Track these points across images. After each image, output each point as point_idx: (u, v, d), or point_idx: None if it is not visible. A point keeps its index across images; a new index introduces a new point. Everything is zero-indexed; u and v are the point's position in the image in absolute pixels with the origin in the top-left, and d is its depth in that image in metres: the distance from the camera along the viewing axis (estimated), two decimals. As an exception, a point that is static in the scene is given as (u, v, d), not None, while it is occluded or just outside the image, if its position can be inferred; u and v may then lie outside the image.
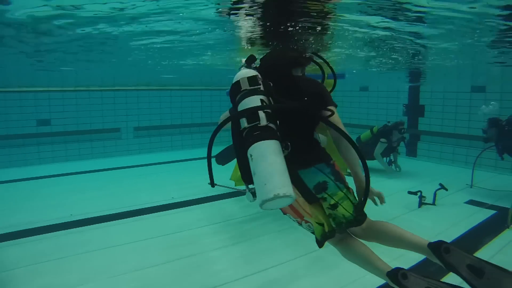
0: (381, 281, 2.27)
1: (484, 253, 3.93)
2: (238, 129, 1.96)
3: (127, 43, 4.33)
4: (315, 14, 3.02)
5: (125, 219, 4.97)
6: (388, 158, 7.89)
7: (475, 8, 2.65)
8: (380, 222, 2.35)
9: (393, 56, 5.34)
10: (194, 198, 5.76)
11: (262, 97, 1.95)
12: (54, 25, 3.27)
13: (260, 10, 2.92)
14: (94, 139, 9.39)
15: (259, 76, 2.07)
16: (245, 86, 2.00)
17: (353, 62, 6.08)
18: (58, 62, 5.95)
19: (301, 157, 2.04)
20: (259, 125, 1.85)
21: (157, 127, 10.37)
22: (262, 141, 1.80)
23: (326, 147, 2.50)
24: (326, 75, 3.01)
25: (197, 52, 5.15)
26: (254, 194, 2.10)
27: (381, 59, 5.78)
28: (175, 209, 5.34)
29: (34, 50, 4.74)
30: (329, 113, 2.19)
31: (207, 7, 2.77)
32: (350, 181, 2.37)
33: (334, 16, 3.14)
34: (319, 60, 2.93)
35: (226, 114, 2.43)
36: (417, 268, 3.52)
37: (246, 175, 1.93)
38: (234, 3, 2.83)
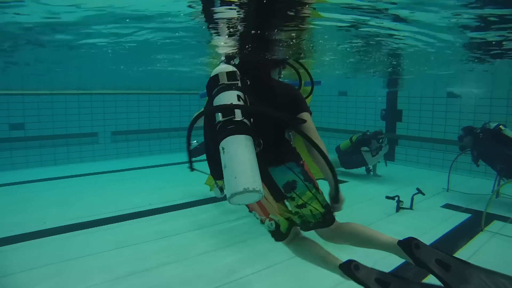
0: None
1: (460, 256, 3.96)
2: (211, 122, 1.95)
3: (100, 49, 4.24)
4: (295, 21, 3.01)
5: (100, 227, 4.85)
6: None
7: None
8: (348, 223, 2.35)
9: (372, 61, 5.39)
10: (172, 204, 5.68)
11: (239, 93, 1.96)
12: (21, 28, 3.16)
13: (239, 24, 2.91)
14: (70, 144, 9.19)
15: (238, 72, 2.09)
16: (223, 80, 2.02)
17: (334, 68, 6.12)
18: (31, 67, 5.79)
19: (272, 155, 2.02)
20: (233, 119, 1.85)
21: (135, 131, 10.22)
22: (236, 135, 1.79)
23: (297, 146, 2.49)
24: (303, 82, 3.00)
25: (175, 57, 5.08)
26: (222, 189, 2.19)
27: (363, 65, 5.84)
28: (152, 216, 5.24)
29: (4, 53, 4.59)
30: (302, 120, 2.24)
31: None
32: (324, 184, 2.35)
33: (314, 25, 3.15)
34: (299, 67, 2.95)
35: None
36: (397, 272, 3.54)
37: (215, 169, 1.95)
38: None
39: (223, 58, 2.29)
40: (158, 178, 7.60)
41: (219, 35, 3.30)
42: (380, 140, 7.49)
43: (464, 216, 5.36)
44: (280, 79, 2.64)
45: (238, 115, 1.87)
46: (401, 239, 2.06)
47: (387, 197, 5.70)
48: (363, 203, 5.96)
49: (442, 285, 1.87)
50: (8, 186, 6.96)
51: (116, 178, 7.68)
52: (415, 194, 5.65)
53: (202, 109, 2.19)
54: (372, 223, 4.99)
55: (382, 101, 9.98)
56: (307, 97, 2.75)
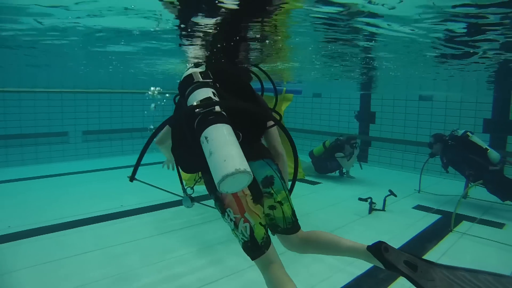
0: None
1: (430, 257, 4.02)
2: (190, 119, 1.94)
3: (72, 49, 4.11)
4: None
5: (71, 229, 4.70)
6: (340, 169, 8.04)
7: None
8: (314, 231, 2.33)
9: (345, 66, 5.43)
10: (145, 206, 5.57)
11: (213, 90, 2.04)
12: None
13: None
14: (39, 143, 8.92)
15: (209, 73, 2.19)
16: (197, 78, 2.11)
17: (309, 71, 6.14)
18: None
19: (250, 150, 1.99)
20: (213, 111, 1.89)
21: (107, 131, 10.01)
22: (219, 124, 1.82)
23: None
24: (284, 90, 3.04)
25: (148, 59, 5.00)
26: (192, 198, 2.28)
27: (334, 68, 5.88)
28: (124, 218, 5.12)
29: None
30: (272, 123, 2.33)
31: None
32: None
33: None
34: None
35: (164, 131, 2.47)
36: (366, 276, 3.58)
37: (194, 161, 2.04)
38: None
39: (190, 64, 2.30)
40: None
41: (191, 41, 3.30)
42: (354, 145, 7.56)
43: (435, 217, 5.47)
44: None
45: (218, 107, 1.91)
46: (370, 242, 2.08)
47: (360, 199, 5.75)
48: (336, 205, 6.00)
49: (466, 268, 1.95)
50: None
51: (87, 179, 7.48)
52: (388, 195, 5.73)
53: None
54: (344, 224, 5.03)
55: (355, 103, 10.10)
56: (274, 106, 2.83)
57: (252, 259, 2.13)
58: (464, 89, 7.81)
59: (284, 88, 6.07)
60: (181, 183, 2.49)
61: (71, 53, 4.25)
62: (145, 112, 10.56)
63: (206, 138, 1.79)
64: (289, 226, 2.25)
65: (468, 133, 5.97)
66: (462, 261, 3.98)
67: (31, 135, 8.77)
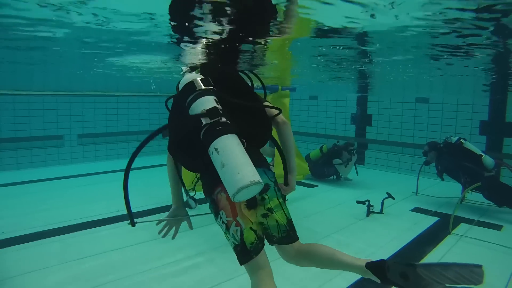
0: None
1: (430, 260, 4.03)
2: (196, 127, 1.97)
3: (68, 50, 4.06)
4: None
5: (66, 234, 4.64)
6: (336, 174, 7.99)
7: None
8: (312, 244, 2.31)
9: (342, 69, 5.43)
10: (140, 210, 5.51)
11: (215, 97, 2.06)
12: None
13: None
14: (34, 147, 8.83)
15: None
16: (199, 86, 2.10)
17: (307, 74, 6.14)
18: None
19: (252, 157, 1.98)
20: (220, 121, 1.93)
21: (102, 134, 9.95)
22: (227, 135, 1.87)
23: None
24: (280, 88, 3.06)
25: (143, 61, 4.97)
26: (195, 200, 2.36)
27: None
28: (119, 222, 5.07)
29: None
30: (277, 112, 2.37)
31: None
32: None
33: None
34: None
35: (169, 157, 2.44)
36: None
37: (200, 162, 2.05)
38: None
39: (184, 68, 2.28)
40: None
41: (191, 44, 3.28)
42: (352, 151, 7.53)
43: (433, 220, 5.45)
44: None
45: (223, 117, 1.96)
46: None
47: (358, 202, 5.72)
48: (334, 208, 5.97)
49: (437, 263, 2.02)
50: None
51: (82, 183, 7.41)
52: (385, 198, 5.70)
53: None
54: (342, 228, 4.99)
55: (352, 106, 10.10)
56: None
57: (240, 263, 2.12)
58: (461, 91, 7.81)
59: (280, 87, 6.07)
60: (183, 185, 2.49)
61: (66, 53, 4.19)
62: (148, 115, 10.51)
63: (216, 149, 1.84)
64: (284, 235, 2.21)
65: (462, 140, 6.00)
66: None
67: (25, 139, 8.69)
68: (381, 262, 2.07)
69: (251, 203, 2.15)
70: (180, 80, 2.23)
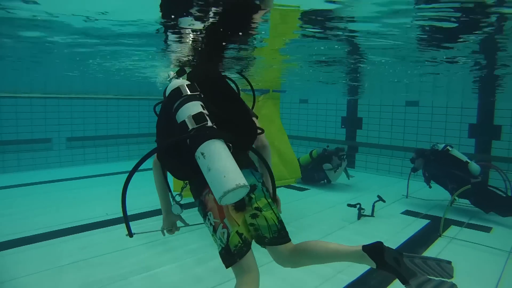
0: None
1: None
2: (182, 132, 2.02)
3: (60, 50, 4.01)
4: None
5: (55, 239, 4.56)
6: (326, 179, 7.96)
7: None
8: (305, 242, 2.29)
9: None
10: (130, 214, 5.43)
11: (201, 103, 2.11)
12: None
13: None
14: (21, 150, 8.69)
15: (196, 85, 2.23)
16: (185, 92, 2.13)
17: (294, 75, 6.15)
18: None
19: (238, 159, 2.01)
20: (206, 125, 2.00)
21: (92, 137, 9.83)
22: (213, 140, 1.91)
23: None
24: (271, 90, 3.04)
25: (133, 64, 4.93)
26: (181, 205, 2.36)
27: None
28: (109, 226, 5.01)
29: None
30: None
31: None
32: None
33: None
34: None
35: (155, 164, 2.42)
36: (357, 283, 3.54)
37: (187, 170, 2.09)
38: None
39: (172, 74, 2.29)
40: (116, 186, 7.24)
41: (179, 43, 3.26)
42: (342, 157, 7.54)
43: (423, 222, 5.48)
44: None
45: (209, 122, 2.02)
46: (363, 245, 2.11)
47: (349, 205, 5.72)
48: (324, 211, 5.97)
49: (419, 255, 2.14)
50: (-49, 195, 6.48)
51: (71, 187, 7.31)
52: (376, 201, 5.72)
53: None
54: (334, 231, 4.99)
55: (342, 109, 10.13)
56: (252, 107, 2.85)
57: (226, 266, 2.11)
58: (450, 93, 7.88)
59: (271, 89, 6.08)
60: (170, 190, 2.47)
61: (54, 53, 4.13)
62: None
63: (202, 154, 1.89)
64: (275, 235, 2.21)
65: (448, 147, 6.09)
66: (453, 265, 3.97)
67: (13, 142, 8.54)
68: (378, 243, 2.08)
69: (240, 206, 2.15)
70: (167, 86, 2.25)
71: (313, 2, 2.08)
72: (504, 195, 5.41)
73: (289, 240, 2.27)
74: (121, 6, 2.19)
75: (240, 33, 2.84)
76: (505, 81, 5.16)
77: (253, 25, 2.54)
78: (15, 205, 5.93)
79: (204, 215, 2.19)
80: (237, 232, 2.10)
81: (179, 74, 2.33)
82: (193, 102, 2.08)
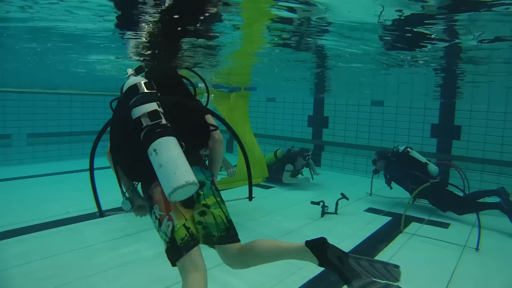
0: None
1: (382, 258, 4.12)
2: (136, 129, 2.04)
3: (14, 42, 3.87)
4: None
5: (12, 238, 4.38)
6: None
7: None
8: (252, 241, 2.26)
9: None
10: (93, 212, 5.32)
11: (157, 101, 2.11)
12: None
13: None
14: (-22, 147, 8.34)
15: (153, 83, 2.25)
16: (142, 89, 2.15)
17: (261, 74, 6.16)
18: None
19: (190, 156, 2.05)
20: (160, 123, 2.03)
21: (55, 134, 9.54)
22: (166, 137, 1.96)
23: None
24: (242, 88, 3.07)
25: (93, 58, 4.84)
26: (131, 201, 2.34)
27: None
28: (70, 225, 4.87)
29: None
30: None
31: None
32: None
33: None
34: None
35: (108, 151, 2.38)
36: (318, 279, 3.57)
37: (139, 168, 2.13)
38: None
39: (130, 71, 2.27)
40: (79, 184, 7.05)
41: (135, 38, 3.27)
42: (307, 158, 7.57)
43: (386, 219, 5.60)
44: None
45: (163, 120, 2.05)
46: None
47: (312, 203, 5.76)
48: (288, 208, 6.01)
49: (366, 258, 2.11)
50: None
51: (31, 184, 7.09)
52: (340, 199, 5.79)
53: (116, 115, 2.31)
54: (297, 228, 5.03)
55: (309, 108, 10.23)
56: (206, 104, 2.83)
57: (172, 263, 2.04)
58: (414, 94, 8.09)
59: (242, 87, 6.07)
60: (120, 186, 2.39)
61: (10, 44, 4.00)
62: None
63: (155, 150, 1.93)
64: (223, 234, 2.18)
65: (408, 149, 6.28)
66: (412, 260, 4.09)
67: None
68: (321, 239, 2.07)
69: (188, 203, 2.12)
70: (124, 83, 2.25)
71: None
72: (462, 195, 5.60)
73: (238, 240, 2.25)
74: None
75: (199, 21, 2.80)
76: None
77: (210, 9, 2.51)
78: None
79: (151, 209, 2.18)
80: (184, 225, 2.06)
81: (137, 72, 2.31)
82: (149, 99, 2.09)
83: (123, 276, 3.55)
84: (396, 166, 6.27)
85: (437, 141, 8.18)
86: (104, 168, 2.78)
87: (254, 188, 2.27)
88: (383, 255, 4.22)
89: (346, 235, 4.84)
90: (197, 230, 2.14)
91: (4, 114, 8.61)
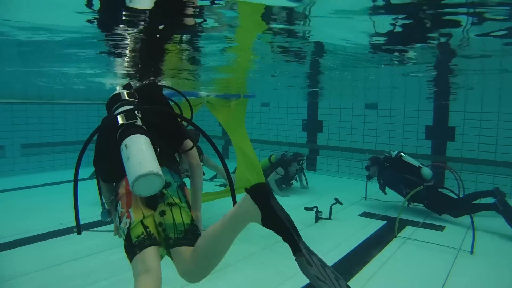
0: None
1: (375, 263, 4.13)
2: (113, 130, 2.15)
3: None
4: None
5: (6, 251, 4.35)
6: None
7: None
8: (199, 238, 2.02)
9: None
10: (85, 223, 5.27)
11: (136, 108, 2.28)
12: None
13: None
14: (-29, 158, 8.29)
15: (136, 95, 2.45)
16: (124, 97, 2.36)
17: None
18: None
19: (162, 160, 2.10)
20: (135, 123, 2.15)
21: (49, 144, 9.50)
22: (138, 134, 2.05)
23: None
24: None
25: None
26: (109, 212, 2.40)
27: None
28: (62, 236, 4.84)
29: None
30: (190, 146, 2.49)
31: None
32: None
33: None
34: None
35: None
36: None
37: (113, 170, 2.20)
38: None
39: (118, 88, 2.52)
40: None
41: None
42: (301, 162, 7.54)
43: (380, 224, 5.58)
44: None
45: (139, 121, 2.18)
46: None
47: (306, 208, 5.74)
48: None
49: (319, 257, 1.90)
50: None
51: (25, 195, 7.05)
52: (333, 204, 5.76)
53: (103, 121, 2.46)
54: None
55: (303, 112, 10.22)
56: (191, 117, 3.03)
57: (130, 261, 1.93)
58: (407, 96, 8.09)
59: (241, 95, 6.09)
60: (100, 196, 2.46)
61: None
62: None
63: (125, 145, 2.00)
64: (180, 236, 2.01)
65: (401, 153, 6.29)
66: (406, 265, 4.06)
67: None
68: (262, 184, 1.89)
69: (151, 202, 2.05)
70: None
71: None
72: (456, 197, 5.58)
73: (195, 241, 2.00)
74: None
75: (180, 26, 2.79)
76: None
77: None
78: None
79: (115, 207, 2.18)
80: (142, 223, 1.98)
81: (125, 88, 2.48)
82: (128, 104, 2.29)
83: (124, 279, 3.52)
84: (389, 171, 6.26)
85: (431, 143, 8.17)
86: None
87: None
88: (376, 261, 4.20)
89: (340, 240, 4.81)
90: (158, 232, 2.03)
91: (-3, 126, 8.58)
